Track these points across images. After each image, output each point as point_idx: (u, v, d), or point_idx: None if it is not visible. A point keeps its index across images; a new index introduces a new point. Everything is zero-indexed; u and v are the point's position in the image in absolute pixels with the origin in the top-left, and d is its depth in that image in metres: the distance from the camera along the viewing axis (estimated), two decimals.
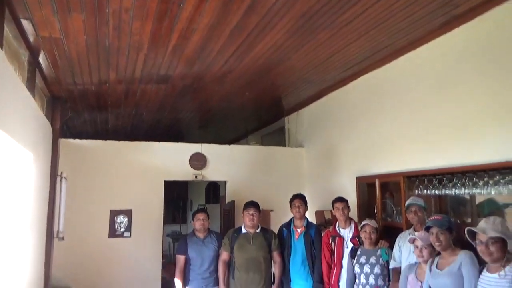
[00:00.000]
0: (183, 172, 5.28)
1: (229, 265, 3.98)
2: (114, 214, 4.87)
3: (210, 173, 5.39)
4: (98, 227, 4.82)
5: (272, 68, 4.21)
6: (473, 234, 2.35)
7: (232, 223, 5.12)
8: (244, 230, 3.98)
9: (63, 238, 4.35)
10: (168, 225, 8.74)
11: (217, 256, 4.03)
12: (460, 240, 2.64)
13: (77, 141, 5.01)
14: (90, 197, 4.84)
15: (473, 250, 2.44)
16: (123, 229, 4.85)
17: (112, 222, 4.84)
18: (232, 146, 5.83)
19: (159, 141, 5.34)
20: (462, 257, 2.52)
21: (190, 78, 4.43)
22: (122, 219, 4.86)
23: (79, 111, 5.74)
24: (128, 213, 4.90)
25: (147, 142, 5.28)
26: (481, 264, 2.42)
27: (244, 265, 3.84)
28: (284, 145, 6.33)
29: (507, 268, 2.20)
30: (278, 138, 6.80)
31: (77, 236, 4.69)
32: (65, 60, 3.77)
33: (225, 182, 5.61)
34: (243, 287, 3.82)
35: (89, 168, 4.92)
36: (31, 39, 3.29)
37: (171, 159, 5.27)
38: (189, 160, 5.30)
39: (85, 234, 4.75)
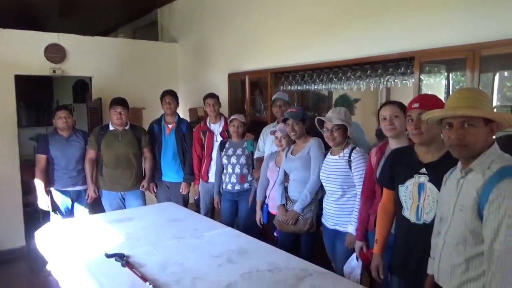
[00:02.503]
0: (38, 65, 4.60)
1: (98, 162, 3.87)
2: None
3: (72, 68, 4.82)
4: None
5: None
6: (322, 123, 2.63)
7: (100, 121, 4.83)
8: (111, 128, 3.82)
9: None
10: (32, 127, 7.88)
11: (84, 155, 3.87)
12: (314, 130, 2.94)
13: None
14: None
15: (323, 138, 2.75)
16: None
17: None
18: (96, 37, 5.22)
19: (5, 27, 4.50)
20: (311, 143, 2.85)
21: None
22: None
23: None
24: None
25: None
26: (327, 150, 2.77)
27: (113, 162, 3.77)
28: (157, 40, 5.94)
29: (345, 150, 2.57)
30: (152, 33, 6.31)
31: None
32: None
33: (90, 78, 5.14)
34: (112, 183, 3.80)
35: None
36: None
37: (21, 50, 4.50)
38: (45, 51, 4.60)
39: None
